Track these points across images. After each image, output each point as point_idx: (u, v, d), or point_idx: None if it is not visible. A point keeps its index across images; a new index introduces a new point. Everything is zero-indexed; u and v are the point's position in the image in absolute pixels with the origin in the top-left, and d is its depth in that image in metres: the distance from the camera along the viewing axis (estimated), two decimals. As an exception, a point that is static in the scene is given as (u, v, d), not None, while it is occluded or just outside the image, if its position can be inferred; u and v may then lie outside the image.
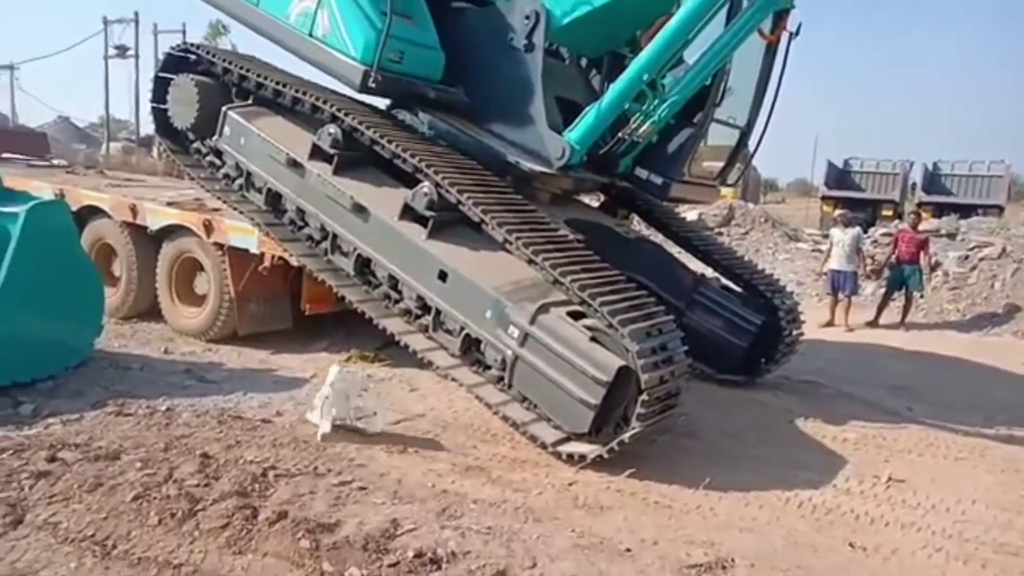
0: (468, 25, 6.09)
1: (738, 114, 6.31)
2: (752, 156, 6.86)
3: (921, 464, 5.14)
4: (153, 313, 7.49)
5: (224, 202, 6.59)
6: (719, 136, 6.31)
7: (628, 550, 3.59)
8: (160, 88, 6.89)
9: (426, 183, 5.31)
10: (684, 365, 4.63)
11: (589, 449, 4.46)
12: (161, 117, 6.93)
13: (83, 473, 3.93)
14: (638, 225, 8.63)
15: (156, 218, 7.25)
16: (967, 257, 12.50)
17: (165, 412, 5.01)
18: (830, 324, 10.42)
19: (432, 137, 6.06)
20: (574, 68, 6.79)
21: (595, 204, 7.77)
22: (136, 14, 33.85)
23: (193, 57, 6.73)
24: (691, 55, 5.53)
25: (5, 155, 13.05)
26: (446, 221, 5.32)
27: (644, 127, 5.55)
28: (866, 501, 4.43)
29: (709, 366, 6.63)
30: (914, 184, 24.12)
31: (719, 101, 5.94)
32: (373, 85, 5.63)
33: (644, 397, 4.27)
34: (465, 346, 5.12)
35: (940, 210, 20.66)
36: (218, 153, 6.67)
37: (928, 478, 4.85)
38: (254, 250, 6.51)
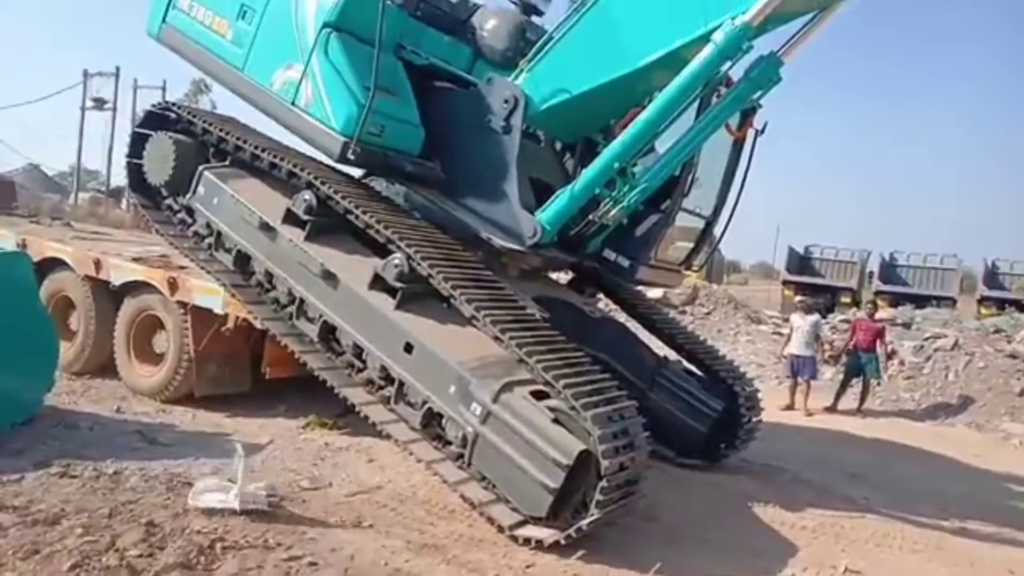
0: (449, 104, 6.27)
1: (704, 204, 6.54)
2: (717, 243, 7.07)
3: (877, 555, 5.15)
4: (108, 370, 7.30)
5: (192, 260, 6.55)
6: (686, 220, 6.51)
7: (584, 638, 3.51)
8: (137, 143, 6.93)
9: (397, 254, 5.36)
10: (645, 452, 4.64)
11: (547, 534, 4.40)
12: (136, 172, 6.93)
13: (20, 538, 3.75)
14: (604, 304, 8.75)
15: (120, 273, 7.17)
16: (922, 347, 12.86)
17: (112, 475, 4.83)
18: (790, 407, 10.56)
19: (406, 209, 6.15)
20: (549, 151, 6.99)
21: (563, 281, 7.88)
22: (117, 68, 34.22)
23: (173, 115, 6.80)
24: (662, 144, 5.76)
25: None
26: (416, 293, 5.35)
27: (614, 212, 5.71)
28: (823, 592, 4.41)
29: (668, 448, 6.64)
30: (871, 273, 24.97)
31: (687, 191, 6.15)
32: (352, 156, 5.72)
33: (604, 484, 4.25)
34: (426, 420, 5.08)
35: (896, 299, 21.36)
36: (190, 211, 6.67)
37: (884, 571, 4.85)
38: (218, 310, 6.44)
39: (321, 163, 6.19)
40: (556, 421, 4.50)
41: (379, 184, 6.54)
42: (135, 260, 7.34)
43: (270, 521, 4.35)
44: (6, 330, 5.34)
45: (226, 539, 3.99)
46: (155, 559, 3.67)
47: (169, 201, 6.87)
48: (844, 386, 11.26)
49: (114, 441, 5.59)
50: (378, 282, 5.45)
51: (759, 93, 5.66)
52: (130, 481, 4.76)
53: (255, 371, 6.82)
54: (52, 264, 7.67)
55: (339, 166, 6.18)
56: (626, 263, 6.27)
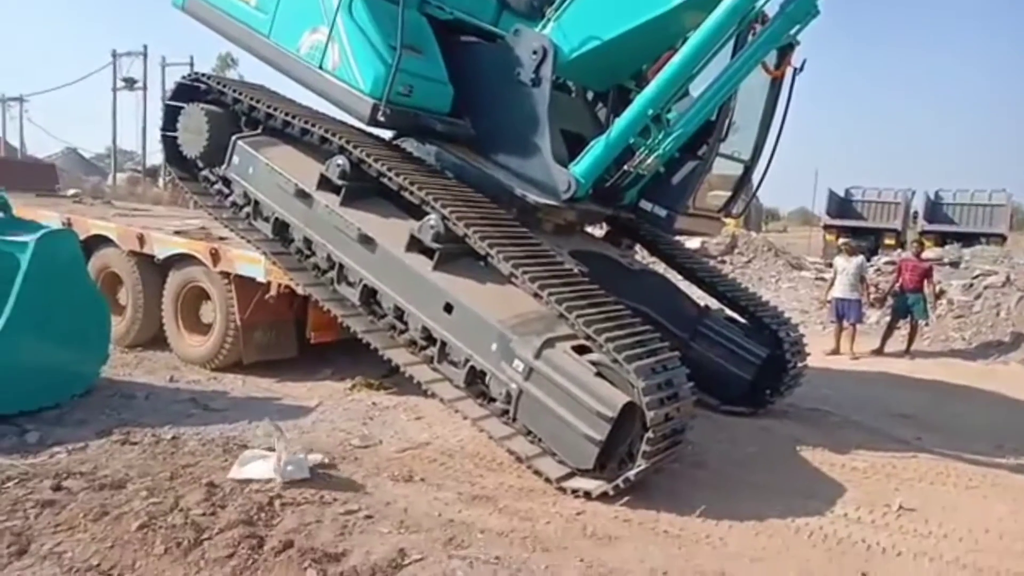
0: (476, 59, 6.18)
1: (743, 148, 6.37)
2: (756, 189, 6.92)
3: (932, 493, 5.09)
4: (159, 341, 7.50)
5: (231, 230, 6.64)
6: (724, 167, 6.37)
7: (637, 580, 3.55)
8: (170, 116, 6.97)
9: (432, 215, 5.35)
10: (690, 402, 4.63)
11: (594, 485, 4.44)
12: (171, 145, 7.00)
13: (88, 502, 3.92)
14: (642, 255, 8.66)
15: (163, 247, 7.31)
16: (971, 285, 12.51)
17: (171, 440, 5.00)
18: (835, 352, 10.40)
19: (438, 168, 6.13)
20: (580, 101, 6.87)
21: (599, 234, 7.81)
22: (145, 47, 34.45)
23: (203, 86, 6.82)
24: (696, 88, 5.61)
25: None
26: (452, 253, 5.35)
27: (649, 160, 5.61)
28: (877, 531, 4.38)
29: (713, 397, 6.62)
30: (916, 213, 24.22)
31: (724, 136, 6.00)
32: (382, 118, 5.69)
33: (649, 434, 4.26)
34: (470, 378, 5.12)
35: (943, 239, 20.74)
36: (226, 182, 6.73)
37: (939, 507, 4.80)
38: (260, 279, 6.55)
39: (352, 127, 6.18)
40: (599, 375, 4.50)
41: (410, 144, 6.51)
42: (176, 233, 7.47)
43: (326, 478, 4.47)
44: (60, 306, 5.50)
45: (284, 496, 4.11)
46: (217, 517, 3.80)
47: (206, 172, 6.94)
48: (891, 328, 11.03)
49: (170, 408, 5.77)
50: (415, 244, 5.46)
51: (796, 28, 5.47)
52: (188, 445, 4.92)
53: (300, 336, 6.95)
54: (97, 241, 7.85)
55: (370, 128, 6.15)
56: (663, 213, 6.17)
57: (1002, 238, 21.73)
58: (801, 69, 6.02)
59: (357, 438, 5.33)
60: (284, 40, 6.23)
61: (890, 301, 11.52)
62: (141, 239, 7.45)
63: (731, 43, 5.50)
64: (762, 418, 6.59)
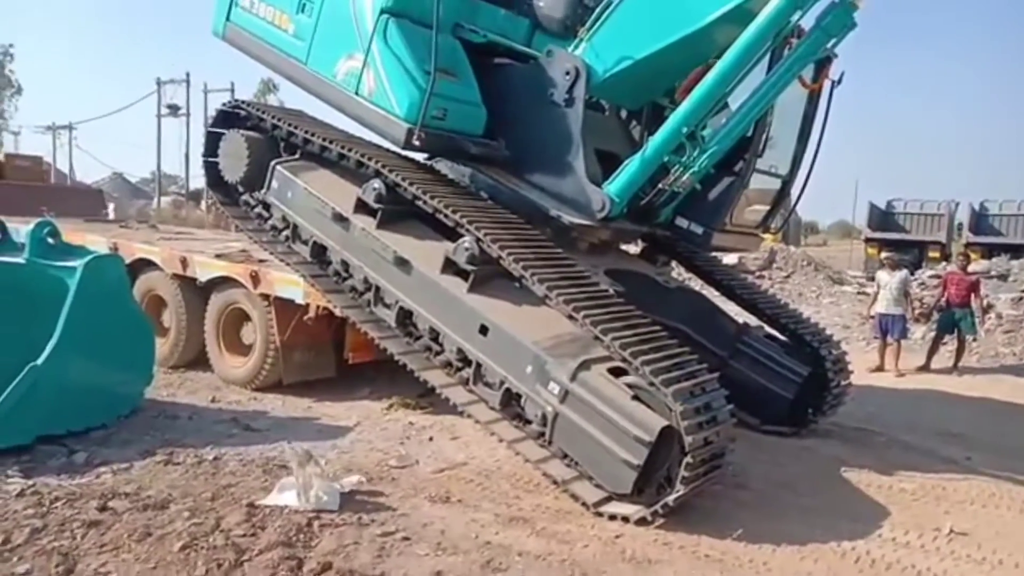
0: (509, 80, 6.23)
1: (780, 163, 6.30)
2: (795, 204, 6.82)
3: (984, 516, 4.92)
4: (201, 362, 7.65)
5: (271, 253, 6.76)
6: (762, 181, 6.30)
7: (678, 606, 3.49)
8: (212, 142, 7.15)
9: (467, 238, 5.38)
10: (729, 425, 4.56)
11: (632, 511, 4.38)
12: (212, 170, 7.16)
13: (133, 522, 3.99)
14: (679, 272, 8.58)
15: (205, 270, 7.47)
16: (1021, 299, 12.14)
17: (212, 461, 5.08)
18: (879, 369, 10.15)
19: (473, 190, 6.17)
20: (614, 119, 6.87)
21: (635, 251, 7.77)
22: (187, 75, 35.55)
23: (243, 113, 6.99)
24: (733, 102, 5.57)
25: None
26: (487, 275, 5.36)
27: (684, 178, 5.57)
28: (928, 556, 4.24)
29: (754, 416, 6.51)
30: (960, 224, 23.64)
31: (761, 151, 5.93)
32: (417, 142, 5.75)
33: (688, 459, 4.20)
34: (505, 400, 5.10)
35: (989, 251, 20.16)
36: (266, 206, 6.87)
37: (993, 531, 4.63)
38: (299, 300, 6.65)
39: (388, 150, 6.26)
40: (636, 398, 4.46)
41: (445, 166, 6.58)
42: (218, 257, 7.63)
43: (363, 499, 4.49)
44: (106, 329, 5.64)
45: (322, 517, 4.13)
46: (257, 538, 3.85)
47: (246, 197, 7.09)
48: (937, 343, 10.74)
49: (212, 429, 5.87)
50: (450, 266, 5.49)
51: (833, 42, 5.40)
52: (229, 465, 5.00)
53: (338, 357, 7.03)
54: (142, 265, 8.05)
55: (405, 151, 6.23)
56: (700, 230, 6.12)
57: (1053, 249, 21.03)
58: (839, 82, 5.94)
59: (394, 458, 5.35)
60: (321, 67, 6.35)
61: (935, 316, 11.22)
62: (184, 262, 7.63)
63: (767, 58, 5.46)
64: (805, 438, 6.45)
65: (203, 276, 7.48)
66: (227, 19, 7.08)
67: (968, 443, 6.69)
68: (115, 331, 5.74)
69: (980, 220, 23.02)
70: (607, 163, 6.00)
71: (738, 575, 3.87)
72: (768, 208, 6.66)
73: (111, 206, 22.24)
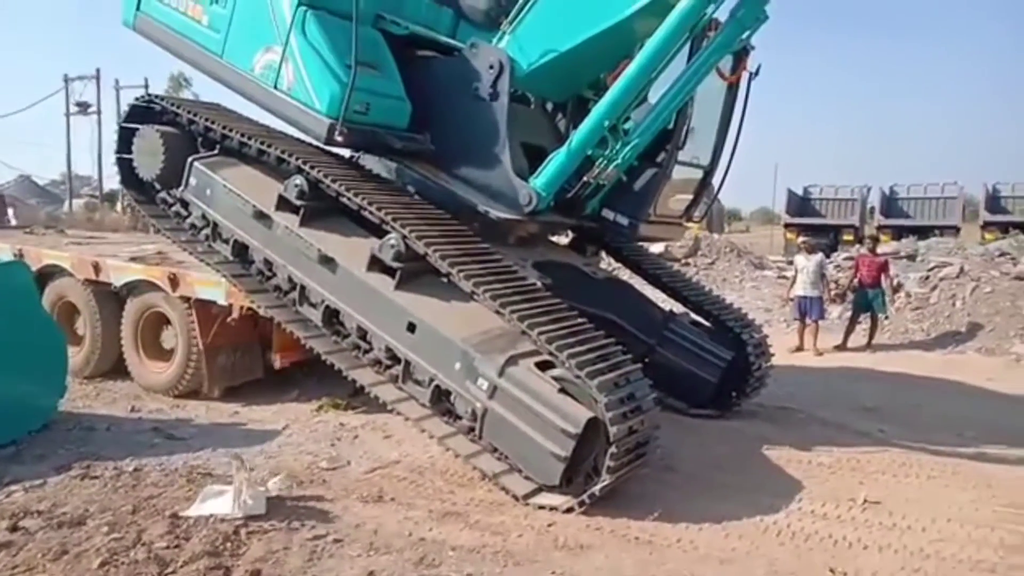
0: (433, 74, 6.17)
1: (701, 154, 6.45)
2: (717, 193, 7.01)
3: (895, 485, 5.19)
4: (119, 371, 7.34)
5: (190, 253, 6.53)
6: (684, 172, 6.44)
7: (610, 589, 3.56)
8: (125, 139, 6.85)
9: (393, 235, 5.33)
10: (653, 413, 4.67)
11: (561, 501, 4.45)
12: (126, 168, 6.87)
13: (47, 541, 3.82)
14: (607, 263, 8.71)
15: (120, 274, 7.16)
16: (927, 277, 12.81)
17: (132, 473, 4.88)
18: (799, 349, 10.57)
19: (399, 185, 6.10)
20: (539, 113, 6.90)
21: (564, 242, 7.85)
22: (97, 71, 33.81)
23: (158, 108, 6.72)
24: (653, 95, 5.67)
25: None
26: (414, 271, 5.33)
27: (608, 171, 5.65)
28: (843, 525, 4.45)
29: (681, 401, 6.71)
30: (872, 208, 24.79)
31: (682, 143, 6.06)
32: (339, 138, 5.64)
33: (613, 449, 4.29)
34: (435, 397, 5.09)
35: (899, 233, 21.23)
36: (184, 204, 6.63)
37: (903, 499, 4.89)
38: (222, 301, 6.45)
39: (310, 146, 6.12)
40: (562, 390, 4.52)
41: (370, 161, 6.48)
42: (132, 260, 7.33)
43: (293, 503, 4.41)
44: (13, 339, 5.36)
45: (250, 524, 4.04)
46: (182, 549, 3.73)
47: (163, 195, 6.83)
48: (853, 323, 11.25)
49: (132, 439, 5.64)
50: (376, 263, 5.42)
51: (747, 33, 5.56)
52: (151, 477, 4.82)
53: (265, 359, 6.86)
54: (52, 272, 7.68)
55: (328, 147, 6.11)
56: (625, 222, 6.22)
57: (956, 230, 22.30)
58: (756, 74, 6.12)
59: (325, 460, 5.27)
60: (237, 60, 6.16)
61: (850, 297, 11.74)
62: (96, 267, 7.29)
63: (686, 51, 5.58)
64: (730, 419, 6.67)
65: (118, 280, 7.17)
66: (137, 8, 6.79)
67: (882, 416, 7.05)
68: (23, 341, 5.47)
69: (890, 204, 24.21)
70: (533, 156, 6.02)
71: (667, 555, 3.97)
72: (691, 198, 6.82)
73: (11, 211, 21.05)
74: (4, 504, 4.33)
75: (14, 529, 3.95)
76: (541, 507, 4.46)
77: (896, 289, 12.23)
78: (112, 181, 32.84)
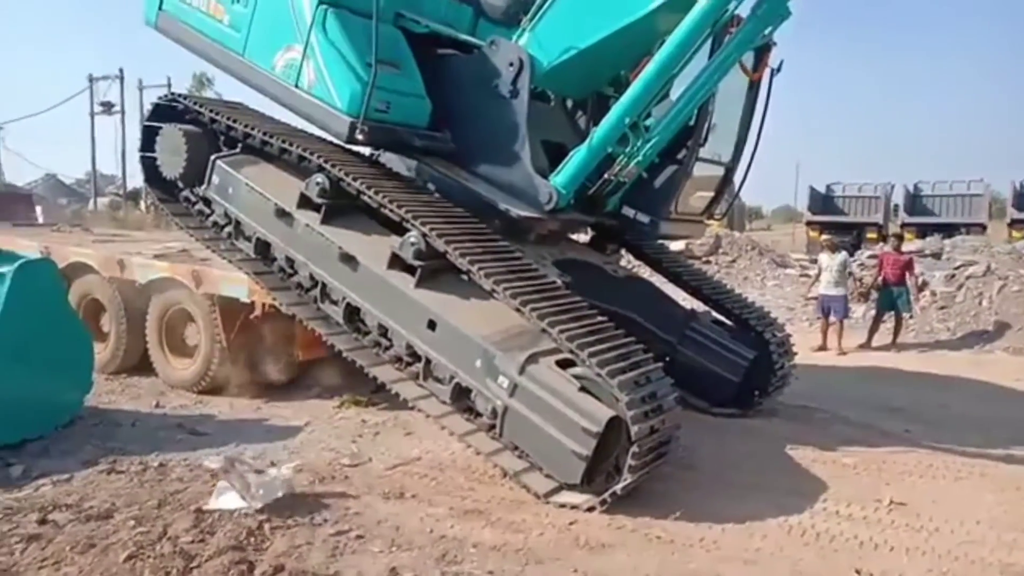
0: (453, 71, 6.17)
1: (723, 151, 6.40)
2: (739, 190, 6.95)
3: (922, 486, 5.12)
4: (144, 367, 7.43)
5: (213, 251, 6.59)
6: (706, 169, 6.40)
7: (632, 588, 3.54)
8: (148, 137, 6.91)
9: (413, 233, 5.33)
10: (675, 412, 4.64)
11: (582, 500, 4.44)
12: (150, 166, 6.92)
13: (75, 534, 3.86)
14: (627, 260, 8.68)
15: (144, 271, 7.25)
16: (953, 276, 12.62)
17: (158, 468, 4.94)
18: (822, 348, 10.46)
19: (419, 183, 6.10)
20: (560, 110, 6.88)
21: (584, 240, 7.82)
22: (121, 71, 34.23)
23: (180, 106, 6.78)
24: (674, 92, 5.63)
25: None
26: (435, 269, 5.33)
27: (629, 168, 5.62)
28: (869, 526, 4.39)
29: (703, 400, 6.66)
30: (896, 206, 24.46)
31: (704, 140, 6.02)
32: (360, 136, 5.65)
33: (635, 448, 4.27)
34: (456, 394, 5.09)
35: (923, 231, 20.92)
36: (207, 202, 6.69)
37: (930, 500, 4.82)
38: (244, 299, 6.51)
39: (331, 144, 6.15)
40: (583, 389, 4.50)
41: (391, 159, 6.50)
42: (157, 257, 7.42)
43: (316, 499, 4.43)
44: (40, 336, 5.44)
45: (273, 520, 4.06)
46: (207, 544, 3.76)
47: (186, 193, 6.89)
48: (877, 322, 11.12)
49: (157, 435, 5.71)
50: (396, 261, 5.43)
51: (769, 29, 5.51)
52: (176, 471, 4.87)
53: (288, 355, 6.90)
54: (77, 269, 7.78)
55: (349, 145, 6.14)
56: (646, 220, 6.19)
57: (982, 227, 21.94)
58: (779, 70, 6.06)
59: (347, 456, 5.30)
60: (258, 58, 6.20)
61: (874, 295, 11.60)
62: (121, 264, 7.39)
63: (707, 48, 5.54)
64: (752, 419, 6.60)
65: (142, 278, 7.26)
66: (160, 8, 6.86)
67: (907, 416, 6.95)
68: (50, 338, 5.54)
69: (914, 201, 23.88)
70: (554, 154, 6.01)
71: (689, 554, 3.94)
72: (712, 195, 6.77)
73: (39, 209, 21.38)
74: (33, 497, 4.40)
75: (43, 522, 4.01)
76: (562, 505, 4.44)
77: (921, 288, 12.07)
78: (136, 180, 33.29)
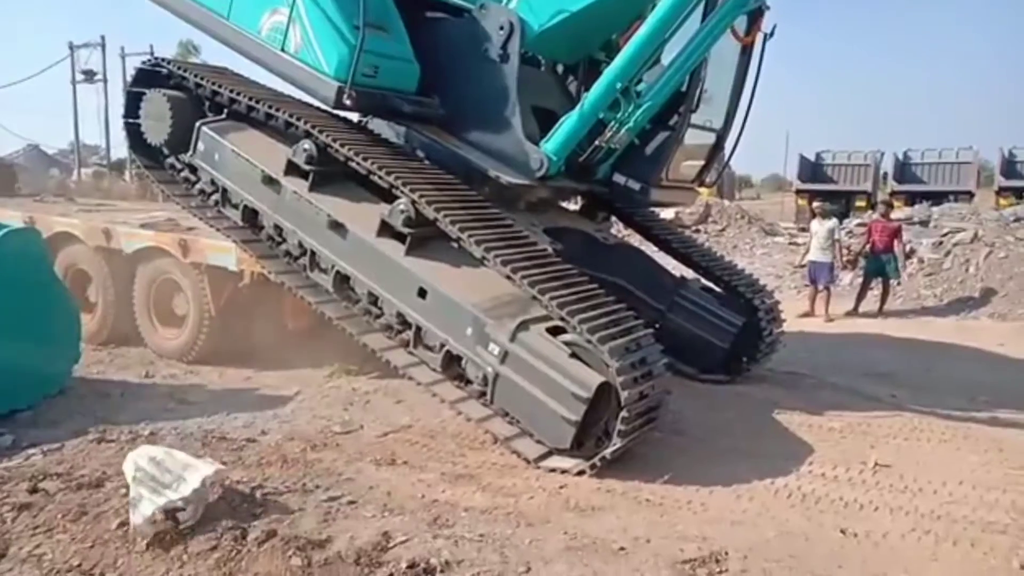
0: (442, 35, 6.08)
1: (714, 117, 6.36)
2: (729, 158, 6.93)
3: (907, 449, 5.19)
4: (132, 338, 7.40)
5: (200, 219, 6.52)
6: (696, 136, 6.36)
7: (622, 549, 3.59)
8: (132, 103, 6.77)
9: (402, 200, 5.29)
10: (664, 378, 4.67)
11: (572, 464, 4.48)
12: (134, 132, 6.81)
13: (66, 503, 3.87)
14: (618, 228, 8.67)
15: (131, 241, 7.18)
16: (941, 243, 12.71)
17: (148, 436, 4.95)
18: (808, 315, 10.54)
19: (408, 150, 6.04)
20: (550, 75, 6.80)
21: (574, 207, 7.80)
22: (103, 38, 33.60)
23: (165, 71, 6.65)
24: (666, 57, 5.57)
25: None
26: (424, 237, 5.30)
27: (620, 134, 5.58)
28: (854, 487, 4.46)
29: (691, 366, 6.69)
30: (885, 174, 24.53)
31: (695, 106, 5.97)
32: (348, 101, 5.56)
33: (624, 413, 4.30)
34: (446, 362, 5.10)
35: (912, 198, 21.02)
36: (193, 169, 6.59)
37: (914, 462, 4.90)
38: (233, 268, 6.47)
39: (318, 109, 6.05)
40: (574, 355, 4.52)
41: (379, 125, 6.42)
42: (143, 226, 7.34)
43: (307, 466, 4.46)
44: (27, 307, 5.40)
45: (265, 486, 4.09)
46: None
47: (171, 160, 6.78)
48: (864, 289, 11.20)
49: (146, 404, 5.71)
50: (386, 229, 5.39)
51: (762, -9, 5.44)
52: (166, 440, 4.87)
53: (277, 324, 6.88)
54: (63, 239, 7.70)
55: (336, 111, 6.05)
56: (637, 186, 6.17)
57: (970, 195, 22.07)
58: (771, 35, 5.99)
59: (338, 424, 5.32)
60: (244, 22, 6.07)
61: (862, 262, 11.68)
62: (107, 234, 7.32)
63: (699, 12, 5.47)
64: (740, 384, 6.66)
65: (129, 247, 7.19)
66: None
67: (894, 381, 7.04)
68: (36, 308, 5.50)
69: (904, 169, 23.95)
70: (544, 120, 5.95)
71: (677, 516, 3.99)
72: (703, 162, 6.75)
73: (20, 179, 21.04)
74: (24, 467, 4.40)
75: (34, 491, 4.01)
76: (552, 470, 4.48)
77: (909, 255, 12.16)
78: (120, 150, 32.90)
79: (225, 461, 4.45)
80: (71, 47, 34.24)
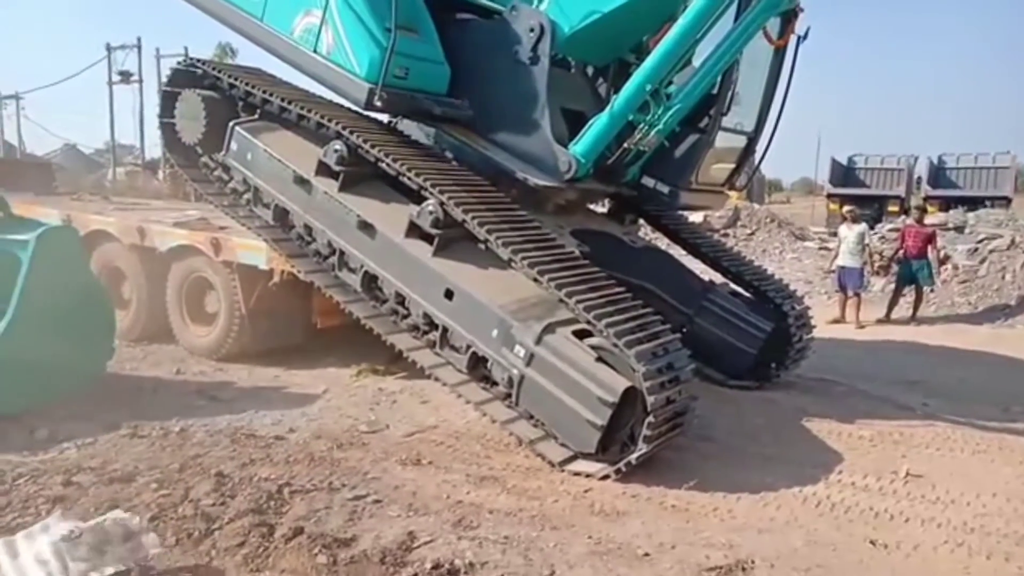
0: (473, 37, 6.10)
1: (746, 120, 6.30)
2: (760, 161, 6.85)
3: (939, 459, 5.09)
4: (164, 334, 7.51)
5: (232, 217, 6.62)
6: (727, 139, 6.30)
7: (646, 555, 3.57)
8: (168, 103, 6.91)
9: (431, 201, 5.32)
10: (691, 384, 4.63)
11: (597, 468, 4.46)
12: (169, 132, 6.94)
13: (99, 496, 3.95)
14: (645, 231, 8.62)
15: (164, 239, 7.30)
16: (976, 249, 12.44)
17: (179, 432, 5.02)
18: (838, 321, 10.38)
19: (437, 151, 6.07)
20: (580, 77, 6.79)
21: (602, 210, 7.77)
22: (139, 40, 34.09)
23: (199, 72, 6.76)
24: (697, 59, 5.53)
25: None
26: (452, 238, 5.32)
27: (649, 136, 5.55)
28: (885, 498, 4.39)
29: (719, 372, 6.64)
30: (919, 179, 24.05)
31: (726, 109, 5.91)
32: (379, 103, 5.62)
33: (650, 418, 4.27)
34: (472, 363, 5.11)
35: (947, 204, 20.56)
36: (226, 168, 6.70)
37: (947, 473, 4.80)
38: (263, 266, 6.54)
39: (349, 110, 6.12)
40: (600, 359, 4.50)
41: (409, 126, 6.46)
42: (176, 225, 7.46)
43: (334, 464, 4.50)
44: (63, 303, 5.50)
45: (293, 484, 4.13)
46: (227, 506, 3.83)
47: (205, 159, 6.90)
48: (896, 295, 11.01)
49: (177, 401, 5.80)
50: (414, 229, 5.43)
51: (794, -6, 5.38)
52: (196, 436, 4.95)
53: (306, 323, 6.95)
54: (98, 237, 7.84)
55: (367, 112, 6.10)
56: (666, 189, 6.13)
57: (1007, 201, 21.52)
58: (805, 37, 5.91)
59: (364, 423, 5.35)
60: (277, 23, 6.15)
61: (894, 268, 11.48)
62: (142, 232, 7.44)
63: (732, 13, 5.41)
64: (768, 390, 6.58)
65: (162, 246, 7.31)
66: None
67: (926, 390, 6.90)
68: (73, 304, 5.60)
69: (938, 174, 23.44)
70: (573, 122, 5.95)
71: (703, 523, 3.96)
72: (734, 166, 6.69)
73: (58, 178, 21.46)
74: (58, 460, 4.50)
75: (68, 484, 4.10)
76: (576, 474, 4.47)
77: (943, 261, 11.92)
78: (154, 150, 33.46)
79: (254, 458, 4.52)
80: (108, 48, 34.83)
